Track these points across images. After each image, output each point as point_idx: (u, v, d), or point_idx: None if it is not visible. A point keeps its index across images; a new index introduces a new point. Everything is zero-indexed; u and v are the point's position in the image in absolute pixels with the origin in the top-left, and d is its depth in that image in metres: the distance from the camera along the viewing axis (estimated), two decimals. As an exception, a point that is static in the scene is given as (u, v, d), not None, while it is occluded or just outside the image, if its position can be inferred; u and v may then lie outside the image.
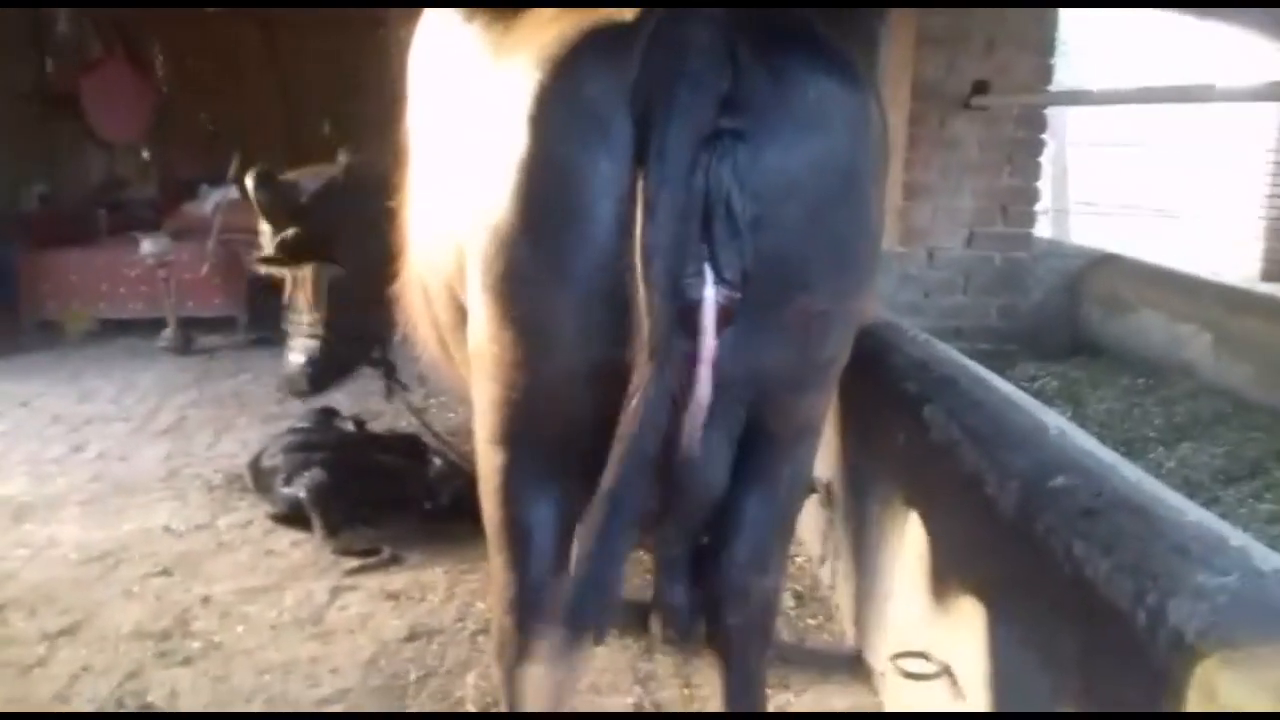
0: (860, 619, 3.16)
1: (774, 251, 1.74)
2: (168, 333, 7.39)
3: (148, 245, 7.47)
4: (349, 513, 4.10)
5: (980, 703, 2.22)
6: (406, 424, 4.93)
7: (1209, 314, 4.70)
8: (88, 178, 9.20)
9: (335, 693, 3.00)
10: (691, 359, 1.74)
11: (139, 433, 5.45)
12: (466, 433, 2.34)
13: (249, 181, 4.07)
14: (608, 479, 1.68)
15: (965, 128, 5.06)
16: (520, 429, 1.99)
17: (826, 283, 1.84)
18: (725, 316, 1.74)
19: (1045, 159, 5.34)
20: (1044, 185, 5.41)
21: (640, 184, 1.65)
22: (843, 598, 3.38)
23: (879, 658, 2.92)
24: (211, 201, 8.09)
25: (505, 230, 1.79)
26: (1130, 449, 3.86)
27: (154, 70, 9.35)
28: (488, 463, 2.07)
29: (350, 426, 4.83)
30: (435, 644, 3.26)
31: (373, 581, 3.69)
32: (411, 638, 3.30)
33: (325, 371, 4.28)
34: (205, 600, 3.54)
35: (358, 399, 5.26)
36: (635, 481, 1.69)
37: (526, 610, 2.09)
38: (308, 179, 4.27)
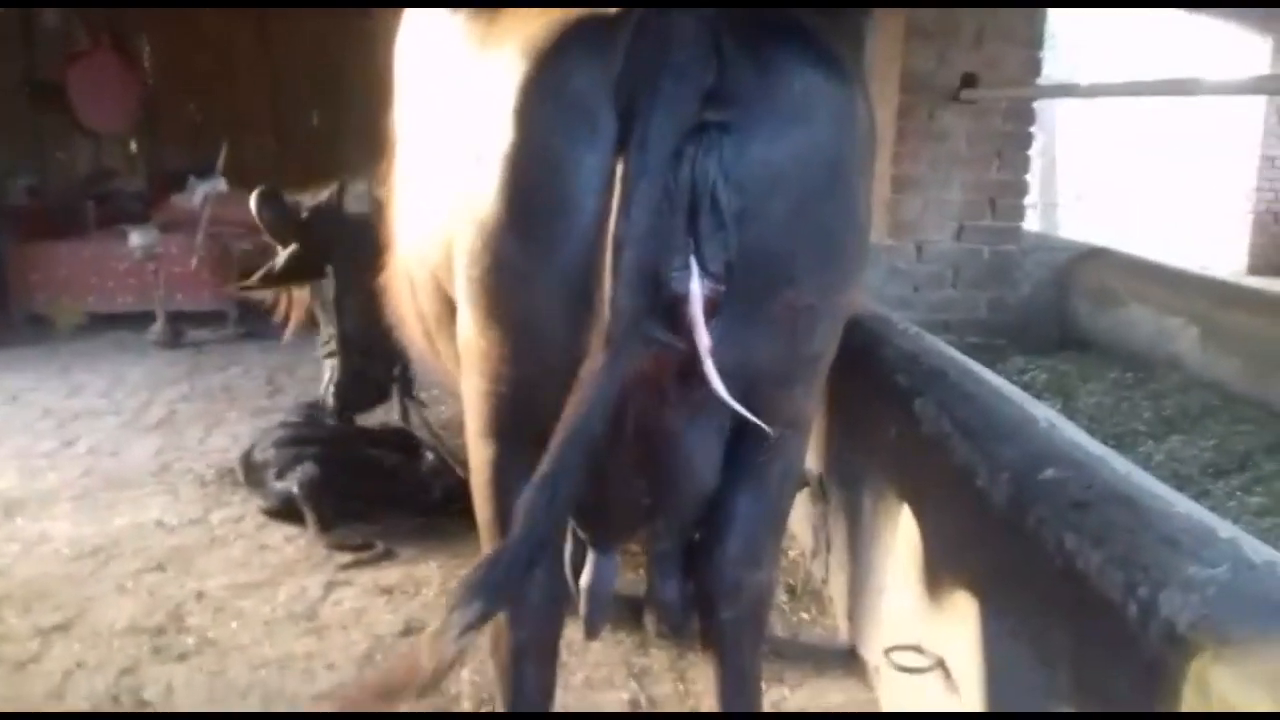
0: (853, 613, 3.18)
1: (759, 244, 1.75)
2: (157, 326, 7.38)
3: (136, 238, 7.45)
4: (341, 507, 4.10)
5: (973, 695, 2.24)
6: (397, 418, 4.93)
7: (1197, 308, 4.71)
8: (75, 170, 9.15)
9: (330, 688, 3.00)
10: (673, 352, 1.75)
11: (129, 427, 5.44)
12: (457, 426, 2.34)
13: (253, 202, 4.13)
14: (547, 461, 1.65)
15: (954, 121, 5.06)
16: (509, 422, 1.99)
17: (812, 276, 1.85)
18: (710, 309, 1.74)
19: (1034, 152, 5.35)
20: (1033, 179, 5.42)
21: (619, 174, 1.66)
22: (836, 592, 3.40)
23: (873, 651, 2.94)
24: (200, 194, 8.05)
25: (491, 223, 1.79)
26: (1120, 442, 3.87)
27: (141, 61, 9.30)
28: (478, 456, 2.08)
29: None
30: (429, 638, 3.27)
31: (366, 576, 3.69)
32: (406, 632, 3.31)
33: (351, 388, 4.35)
34: (199, 595, 3.54)
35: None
36: (573, 466, 1.65)
37: (518, 604, 2.08)
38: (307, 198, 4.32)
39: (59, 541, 3.96)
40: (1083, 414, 4.29)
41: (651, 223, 1.64)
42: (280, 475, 4.18)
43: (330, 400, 4.43)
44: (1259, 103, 11.41)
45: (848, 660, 3.14)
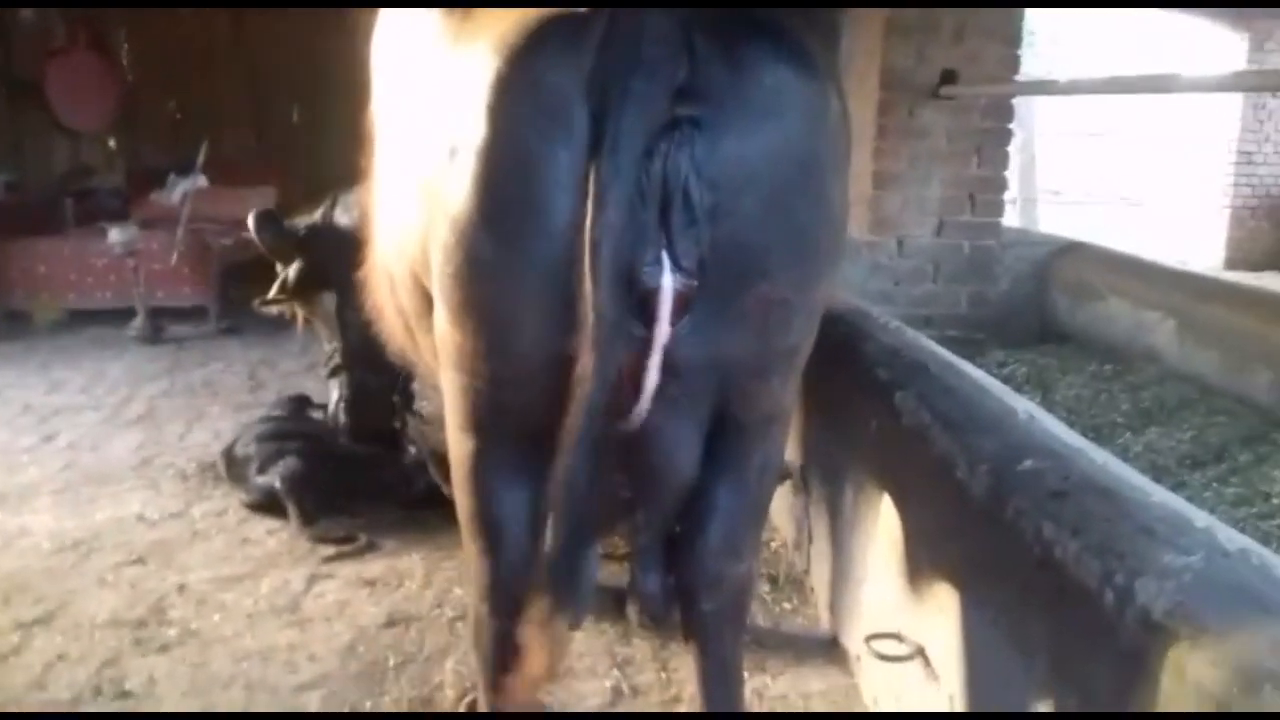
0: (835, 603, 3.20)
1: (731, 239, 1.76)
2: (137, 322, 7.34)
3: (115, 234, 7.41)
4: (324, 501, 4.10)
5: (953, 683, 2.26)
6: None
7: (1174, 302, 4.76)
8: (53, 166, 9.11)
9: (314, 678, 3.01)
10: (646, 345, 1.77)
11: (110, 422, 5.42)
12: (438, 421, 2.35)
13: (251, 224, 4.12)
14: (559, 469, 1.71)
15: (934, 117, 5.09)
16: (488, 417, 2.00)
17: (786, 271, 1.86)
18: (682, 304, 1.76)
19: (1013, 148, 5.39)
20: (1012, 174, 5.46)
21: (592, 173, 1.67)
22: (818, 582, 3.42)
23: (854, 640, 2.96)
24: (179, 190, 8.05)
25: (464, 220, 1.80)
26: (1098, 434, 3.91)
27: (120, 58, 9.26)
28: (458, 451, 2.09)
29: (323, 415, 4.82)
30: (413, 630, 3.28)
31: (349, 569, 3.69)
32: (389, 624, 3.32)
33: (358, 403, 4.34)
34: (181, 588, 3.53)
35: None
36: (587, 469, 1.71)
37: (501, 597, 2.11)
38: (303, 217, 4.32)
39: (39, 535, 3.94)
40: (1061, 406, 4.33)
41: (625, 219, 1.66)
42: (262, 470, 4.17)
43: (343, 418, 4.38)
44: (1235, 99, 11.51)
45: (829, 649, 3.16)
